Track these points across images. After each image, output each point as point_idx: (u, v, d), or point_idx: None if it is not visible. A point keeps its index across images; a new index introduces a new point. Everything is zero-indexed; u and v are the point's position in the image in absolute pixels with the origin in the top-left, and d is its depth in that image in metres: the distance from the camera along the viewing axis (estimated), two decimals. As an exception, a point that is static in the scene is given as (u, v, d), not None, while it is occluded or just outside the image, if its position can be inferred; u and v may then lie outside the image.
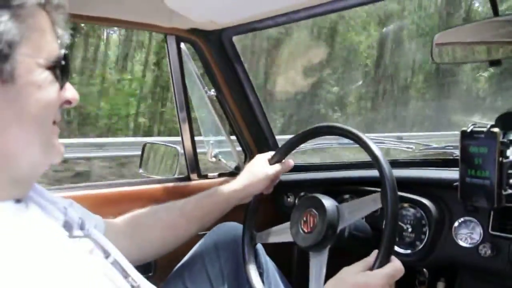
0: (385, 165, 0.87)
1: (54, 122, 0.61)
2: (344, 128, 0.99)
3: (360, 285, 0.77)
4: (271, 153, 1.16)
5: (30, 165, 0.58)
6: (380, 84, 13.09)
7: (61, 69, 0.59)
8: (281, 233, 1.06)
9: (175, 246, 1.06)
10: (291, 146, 1.13)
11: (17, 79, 0.53)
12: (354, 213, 0.94)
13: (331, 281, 0.81)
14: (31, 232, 0.55)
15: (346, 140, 1.00)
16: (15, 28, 0.52)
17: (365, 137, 0.94)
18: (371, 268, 0.80)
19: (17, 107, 0.54)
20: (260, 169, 1.12)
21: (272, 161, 1.14)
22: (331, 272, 0.86)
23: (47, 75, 0.57)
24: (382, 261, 0.80)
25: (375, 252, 0.82)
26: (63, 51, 0.60)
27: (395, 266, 0.80)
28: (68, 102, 0.63)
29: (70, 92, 0.62)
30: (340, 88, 12.45)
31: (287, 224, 1.03)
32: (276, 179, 1.15)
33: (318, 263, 0.94)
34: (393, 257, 0.82)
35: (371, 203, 0.91)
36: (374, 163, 0.90)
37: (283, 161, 1.14)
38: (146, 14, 1.23)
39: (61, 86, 0.60)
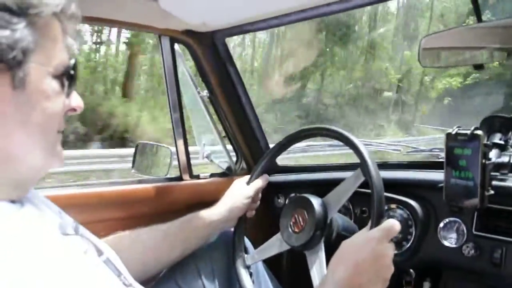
0: (362, 147, 0.92)
1: (59, 131, 0.62)
2: (310, 128, 1.06)
3: (360, 245, 0.81)
4: (247, 176, 1.19)
5: (31, 169, 0.60)
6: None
7: (69, 78, 0.61)
8: (271, 247, 1.07)
9: (156, 271, 1.03)
10: (266, 164, 1.17)
11: (27, 86, 0.54)
12: (340, 197, 0.97)
13: (333, 259, 0.83)
14: (25, 228, 0.55)
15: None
16: (30, 36, 0.53)
17: (338, 128, 0.99)
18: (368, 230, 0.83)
19: (24, 114, 0.55)
20: (239, 190, 1.15)
21: (249, 182, 1.17)
22: None
23: (55, 84, 0.58)
24: (377, 221, 0.84)
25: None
26: (72, 61, 0.62)
27: (390, 221, 0.82)
28: (73, 109, 0.64)
29: (76, 100, 0.64)
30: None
31: (274, 237, 1.06)
32: (257, 198, 1.18)
33: (316, 260, 0.95)
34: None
35: (353, 180, 0.94)
36: (351, 147, 0.94)
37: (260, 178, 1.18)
38: (141, 15, 1.24)
39: (68, 94, 0.62)
